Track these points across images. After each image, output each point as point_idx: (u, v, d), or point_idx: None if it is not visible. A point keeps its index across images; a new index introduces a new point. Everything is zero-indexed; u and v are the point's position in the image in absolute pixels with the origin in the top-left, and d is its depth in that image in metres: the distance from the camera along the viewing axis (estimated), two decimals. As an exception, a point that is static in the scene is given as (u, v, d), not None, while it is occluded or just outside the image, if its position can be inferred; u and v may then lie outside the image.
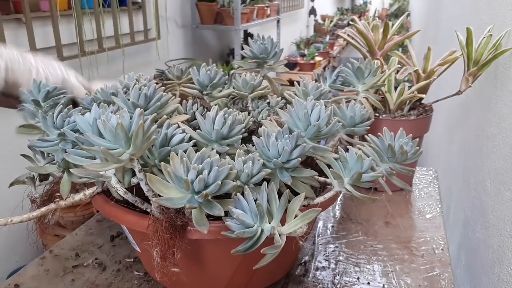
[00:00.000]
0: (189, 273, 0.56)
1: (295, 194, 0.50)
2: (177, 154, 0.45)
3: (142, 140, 0.44)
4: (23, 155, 0.60)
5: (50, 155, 0.57)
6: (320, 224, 0.80)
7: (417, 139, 0.59)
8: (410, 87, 0.88)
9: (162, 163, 0.46)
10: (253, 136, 0.53)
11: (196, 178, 0.43)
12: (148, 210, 0.52)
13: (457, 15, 1.45)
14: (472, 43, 0.79)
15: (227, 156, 0.52)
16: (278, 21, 4.16)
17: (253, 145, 0.54)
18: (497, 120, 0.79)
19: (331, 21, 6.37)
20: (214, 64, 0.76)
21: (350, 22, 1.05)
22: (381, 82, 0.79)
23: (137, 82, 0.60)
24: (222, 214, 0.46)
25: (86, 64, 1.97)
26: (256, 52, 0.74)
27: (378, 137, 0.59)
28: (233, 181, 0.46)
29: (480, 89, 0.92)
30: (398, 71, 0.89)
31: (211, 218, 0.48)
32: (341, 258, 0.70)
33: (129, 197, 0.52)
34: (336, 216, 0.83)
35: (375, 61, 0.78)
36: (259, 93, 0.72)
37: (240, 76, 0.72)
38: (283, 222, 0.48)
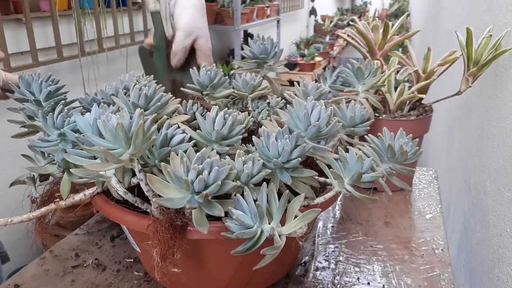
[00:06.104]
0: (189, 274, 0.56)
1: (295, 194, 0.50)
2: (177, 154, 0.45)
3: (142, 140, 0.44)
4: (23, 155, 0.60)
5: (50, 155, 0.57)
6: (320, 224, 0.80)
7: (417, 139, 0.59)
8: (410, 87, 0.88)
9: (162, 163, 0.46)
10: (253, 136, 0.53)
11: (196, 179, 0.43)
12: (148, 210, 0.52)
13: (457, 15, 1.45)
14: (472, 43, 0.80)
15: (227, 157, 0.52)
16: (278, 22, 4.16)
17: (253, 145, 0.54)
18: (497, 120, 0.79)
19: (331, 22, 6.37)
20: (214, 64, 0.76)
21: (350, 23, 1.05)
22: (381, 83, 0.79)
23: (137, 82, 0.60)
24: (222, 214, 0.46)
25: (86, 64, 1.97)
26: (256, 52, 0.74)
27: (378, 137, 0.59)
28: (233, 181, 0.46)
29: (480, 89, 0.92)
30: (398, 72, 0.89)
31: (211, 218, 0.48)
32: (341, 258, 0.70)
33: (129, 197, 0.52)
34: (336, 217, 0.83)
35: (375, 61, 0.78)
36: (259, 93, 0.72)
37: (240, 77, 0.72)
38: (283, 222, 0.48)
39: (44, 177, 0.61)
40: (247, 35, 3.59)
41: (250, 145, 0.58)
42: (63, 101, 0.60)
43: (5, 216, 0.54)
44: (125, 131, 0.43)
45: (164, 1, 0.75)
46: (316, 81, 0.80)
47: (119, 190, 0.51)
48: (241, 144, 0.58)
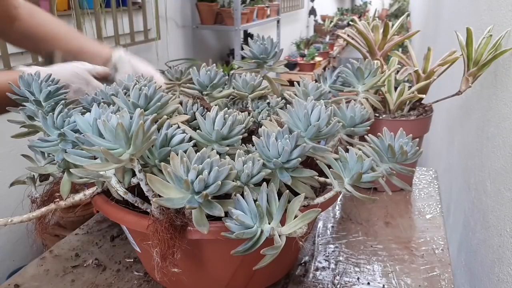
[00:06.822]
0: (189, 274, 0.56)
1: (295, 194, 0.50)
2: (177, 154, 0.45)
3: (142, 140, 0.44)
4: (23, 155, 0.60)
5: (50, 155, 0.57)
6: (320, 224, 0.80)
7: (417, 139, 0.59)
8: (410, 87, 0.88)
9: (162, 163, 0.46)
10: (253, 136, 0.53)
11: (196, 178, 0.43)
12: (148, 210, 0.52)
13: (457, 15, 1.45)
14: (472, 43, 0.80)
15: (227, 156, 0.52)
16: (278, 22, 4.16)
17: (253, 145, 0.54)
18: (497, 120, 0.79)
19: (331, 22, 6.37)
20: (214, 64, 0.76)
21: (350, 23, 1.05)
22: (381, 83, 0.79)
23: (137, 82, 0.60)
24: (222, 214, 0.46)
25: (86, 64, 1.97)
26: (256, 52, 0.74)
27: (378, 137, 0.59)
28: (233, 181, 0.46)
29: (480, 89, 0.92)
30: (398, 72, 0.89)
31: (211, 218, 0.48)
32: (341, 258, 0.70)
33: (129, 197, 0.52)
34: (336, 216, 0.83)
35: (375, 61, 0.78)
36: (259, 93, 0.72)
37: (240, 77, 0.72)
38: (283, 222, 0.48)
39: (44, 177, 0.61)
40: (247, 35, 3.59)
41: (250, 145, 0.58)
42: (63, 101, 0.60)
43: (5, 216, 0.54)
44: (125, 131, 0.43)
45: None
46: (316, 81, 0.80)
47: (119, 190, 0.51)
48: (241, 144, 0.58)
